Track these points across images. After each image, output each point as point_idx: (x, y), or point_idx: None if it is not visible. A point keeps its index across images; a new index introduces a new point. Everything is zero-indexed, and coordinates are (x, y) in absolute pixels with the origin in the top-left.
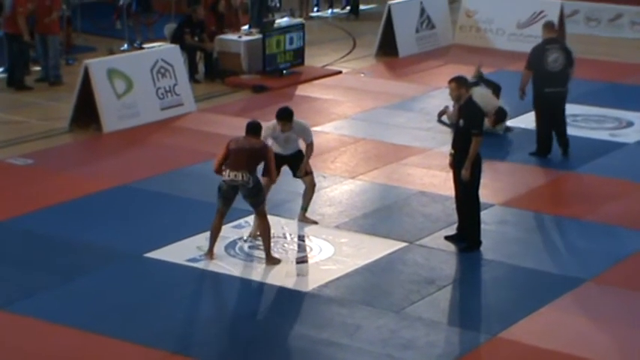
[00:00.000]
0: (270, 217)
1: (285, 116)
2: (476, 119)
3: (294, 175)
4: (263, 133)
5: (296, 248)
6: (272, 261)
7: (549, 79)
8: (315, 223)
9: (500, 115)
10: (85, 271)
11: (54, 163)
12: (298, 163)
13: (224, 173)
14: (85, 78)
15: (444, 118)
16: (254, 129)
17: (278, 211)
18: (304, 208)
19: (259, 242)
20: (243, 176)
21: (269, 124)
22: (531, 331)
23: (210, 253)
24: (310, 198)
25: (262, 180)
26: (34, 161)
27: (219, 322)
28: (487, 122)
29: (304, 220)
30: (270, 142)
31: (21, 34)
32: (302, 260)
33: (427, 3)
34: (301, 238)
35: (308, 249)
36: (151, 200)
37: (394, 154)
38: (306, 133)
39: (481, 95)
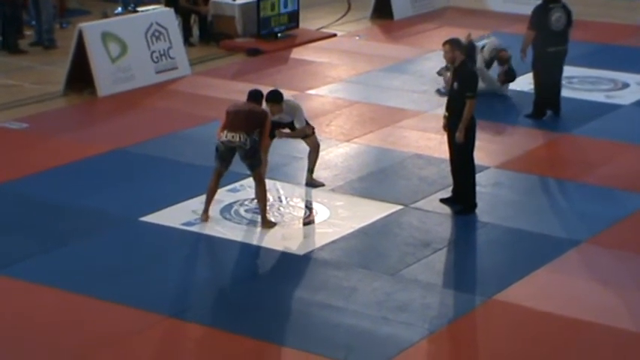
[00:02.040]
0: (266, 181)
1: (272, 99)
2: (470, 82)
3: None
4: None
5: (292, 212)
6: (268, 224)
7: (553, 38)
8: (322, 185)
9: (510, 76)
10: (81, 235)
11: (49, 127)
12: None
13: (222, 134)
14: (79, 42)
15: (442, 85)
16: (255, 96)
17: (274, 174)
18: (310, 170)
19: (255, 206)
20: (240, 137)
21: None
22: (527, 293)
23: (205, 214)
24: (315, 159)
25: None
26: (29, 125)
27: (214, 285)
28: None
29: (311, 182)
30: None
31: None
32: (298, 223)
33: None
34: (297, 201)
35: (304, 212)
36: (146, 164)
37: (389, 117)
38: (297, 117)
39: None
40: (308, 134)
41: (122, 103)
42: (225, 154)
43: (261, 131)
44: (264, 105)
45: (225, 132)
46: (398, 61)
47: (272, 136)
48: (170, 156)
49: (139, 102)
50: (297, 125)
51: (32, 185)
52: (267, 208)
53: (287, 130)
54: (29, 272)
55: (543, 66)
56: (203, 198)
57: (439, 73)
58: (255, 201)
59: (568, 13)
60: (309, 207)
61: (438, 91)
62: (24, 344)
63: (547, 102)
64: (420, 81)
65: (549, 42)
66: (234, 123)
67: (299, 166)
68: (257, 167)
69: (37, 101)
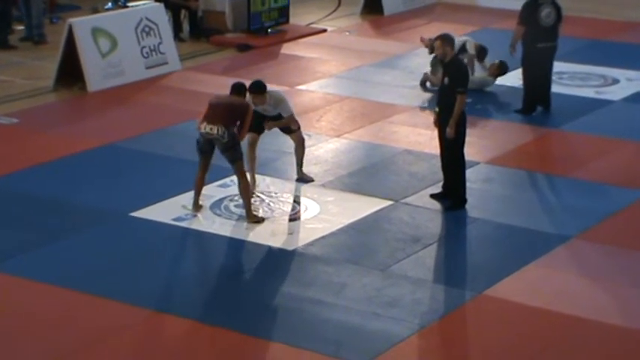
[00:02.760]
0: (256, 176)
1: (255, 90)
2: (461, 77)
3: (284, 132)
4: None
5: (281, 207)
6: (253, 219)
7: (542, 34)
8: (312, 180)
9: (503, 68)
10: (71, 230)
11: (39, 123)
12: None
13: (201, 126)
14: (70, 37)
15: (428, 84)
16: (238, 89)
17: (264, 169)
18: (299, 165)
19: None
20: (218, 130)
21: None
22: (517, 288)
23: (195, 206)
24: (302, 154)
25: (248, 136)
26: (19, 120)
27: (204, 280)
28: (487, 75)
29: (302, 176)
30: None
31: None
32: (287, 219)
33: None
34: (287, 196)
35: (293, 208)
36: (137, 159)
37: (380, 113)
38: (282, 107)
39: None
40: (293, 129)
41: (112, 98)
42: (204, 146)
43: (241, 124)
44: (248, 98)
45: (204, 124)
46: (388, 56)
47: (259, 132)
48: (160, 151)
49: (129, 97)
50: (284, 115)
51: (22, 180)
52: (257, 203)
53: (281, 123)
54: (19, 268)
55: (532, 62)
56: (193, 193)
57: (422, 84)
58: (254, 194)
59: (558, 9)
60: (298, 202)
61: (424, 86)
62: (15, 339)
63: (537, 98)
64: (411, 76)
65: (539, 38)
66: (213, 115)
67: (289, 162)
68: (237, 161)
69: (27, 96)
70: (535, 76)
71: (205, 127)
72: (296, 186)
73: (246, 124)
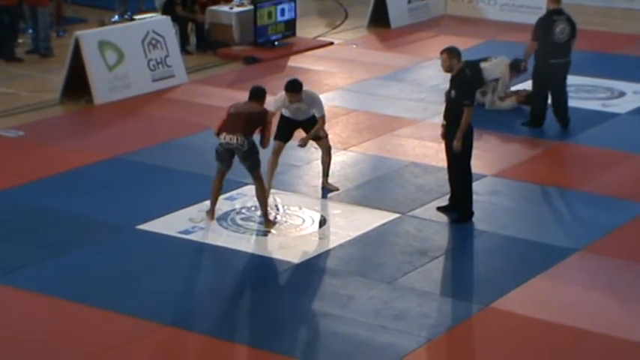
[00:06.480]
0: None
1: (292, 88)
2: (467, 90)
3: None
4: (273, 104)
5: (289, 220)
6: (269, 224)
7: (555, 50)
8: (337, 189)
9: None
10: (78, 243)
11: (45, 135)
12: (311, 127)
13: (220, 136)
14: (76, 50)
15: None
16: (257, 94)
17: (271, 182)
18: (325, 175)
19: (252, 214)
20: (237, 139)
21: (279, 95)
22: (523, 301)
23: (211, 213)
24: (329, 163)
25: (274, 144)
26: (25, 133)
27: (211, 293)
28: (514, 100)
29: (327, 186)
30: (281, 112)
31: (11, 5)
32: (295, 232)
33: None
34: (294, 209)
35: (300, 220)
36: (143, 172)
37: (386, 126)
38: (316, 106)
39: (495, 64)
40: (321, 136)
41: (119, 111)
42: (223, 156)
43: (262, 131)
44: (269, 100)
45: (224, 134)
46: (395, 69)
47: (286, 139)
48: (166, 164)
49: (135, 110)
50: (317, 114)
51: (28, 193)
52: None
53: (313, 132)
54: (26, 281)
55: (544, 77)
56: (200, 206)
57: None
58: (253, 208)
59: (572, 25)
60: (306, 215)
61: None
62: (21, 354)
63: (544, 112)
64: (417, 89)
65: (551, 54)
66: (232, 125)
67: (296, 175)
68: (256, 168)
69: (33, 109)
70: (545, 92)
71: (225, 137)
72: (303, 199)
73: (267, 132)
